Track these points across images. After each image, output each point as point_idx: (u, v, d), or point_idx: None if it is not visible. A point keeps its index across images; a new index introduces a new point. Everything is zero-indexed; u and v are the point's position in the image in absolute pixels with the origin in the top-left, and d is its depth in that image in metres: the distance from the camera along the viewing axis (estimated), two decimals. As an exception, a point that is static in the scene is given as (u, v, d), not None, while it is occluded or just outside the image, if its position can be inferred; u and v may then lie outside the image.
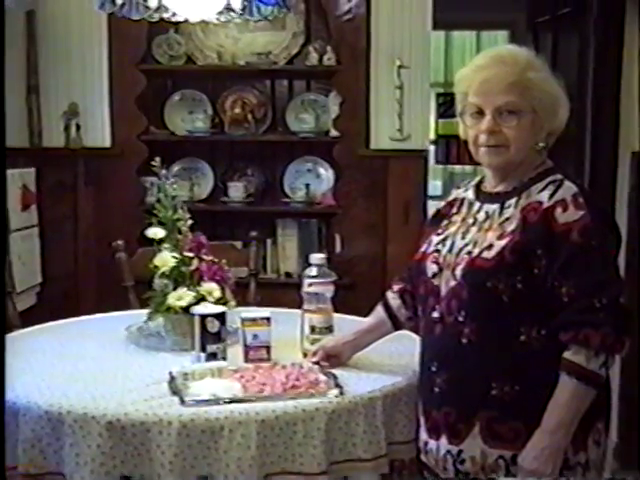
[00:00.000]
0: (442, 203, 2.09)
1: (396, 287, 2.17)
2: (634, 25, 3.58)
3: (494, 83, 1.82)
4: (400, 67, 3.75)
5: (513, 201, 1.85)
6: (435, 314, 1.88)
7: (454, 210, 2.00)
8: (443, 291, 1.88)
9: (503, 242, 1.79)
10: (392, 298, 2.17)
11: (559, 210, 1.77)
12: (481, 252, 1.82)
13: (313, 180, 4.19)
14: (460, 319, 1.83)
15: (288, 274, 4.11)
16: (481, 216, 1.90)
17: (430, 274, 1.92)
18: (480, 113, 1.85)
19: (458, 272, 1.84)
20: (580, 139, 3.91)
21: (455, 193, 2.06)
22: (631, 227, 3.48)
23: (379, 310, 2.19)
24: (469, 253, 1.84)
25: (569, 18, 4.15)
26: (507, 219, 1.83)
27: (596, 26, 3.84)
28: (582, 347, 1.72)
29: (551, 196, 1.79)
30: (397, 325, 2.17)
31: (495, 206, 1.88)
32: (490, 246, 1.81)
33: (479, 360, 1.81)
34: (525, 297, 1.77)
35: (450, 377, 1.86)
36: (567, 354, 1.74)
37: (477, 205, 1.94)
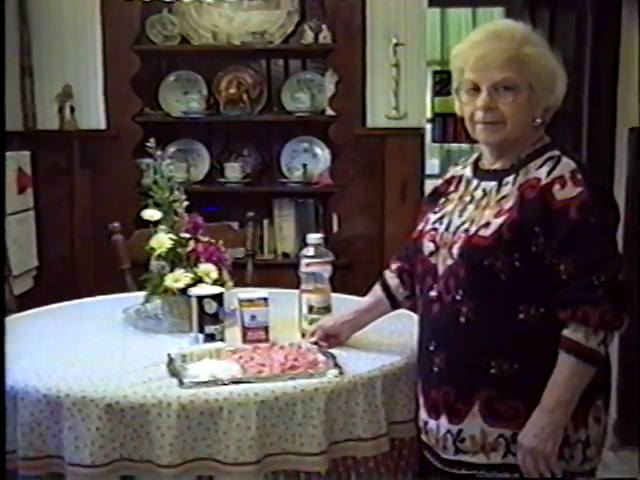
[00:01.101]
0: (439, 181, 2.07)
1: (394, 266, 2.16)
2: (632, 1, 3.55)
3: (490, 59, 1.80)
4: (396, 45, 3.72)
5: (511, 178, 1.83)
6: (433, 293, 1.87)
7: (452, 188, 1.98)
8: (440, 270, 1.87)
9: (500, 220, 1.78)
10: (390, 277, 2.16)
11: (557, 187, 1.75)
12: (478, 230, 1.80)
13: (310, 160, 4.17)
14: (458, 298, 1.82)
15: (285, 254, 4.10)
16: (478, 193, 1.89)
17: (427, 252, 1.91)
18: (476, 89, 1.83)
19: (455, 250, 1.83)
20: (577, 115, 3.89)
21: (452, 171, 2.04)
22: (629, 203, 3.48)
23: (377, 289, 2.18)
24: (466, 231, 1.83)
25: (566, -7, 4.13)
26: (504, 197, 1.82)
27: (593, 2, 3.82)
28: (581, 324, 1.71)
29: (549, 173, 1.78)
30: (395, 304, 2.16)
31: (493, 183, 1.87)
32: (487, 224, 1.79)
33: (477, 339, 1.80)
34: (523, 275, 1.76)
35: (448, 356, 1.85)
36: (566, 332, 1.73)
37: (475, 182, 1.92)
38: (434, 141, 7.30)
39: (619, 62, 3.67)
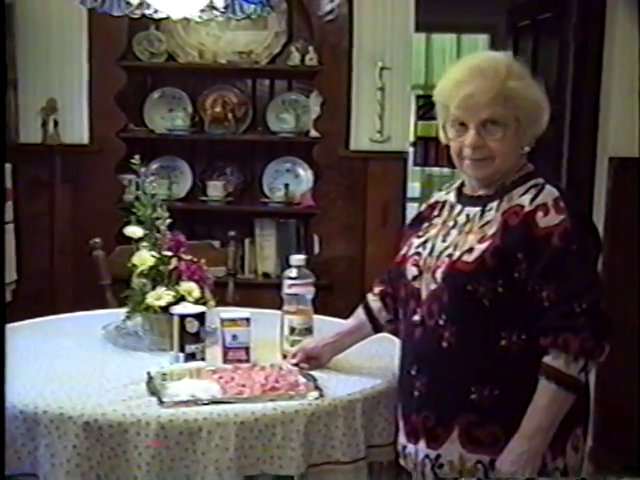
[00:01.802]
0: (423, 206, 2.08)
1: (377, 289, 2.16)
2: (613, 30, 3.61)
3: (476, 99, 1.80)
4: (382, 69, 3.74)
5: (495, 204, 1.85)
6: (416, 317, 1.88)
7: (435, 213, 1.99)
8: (424, 294, 1.88)
9: (484, 245, 1.79)
10: (373, 300, 2.16)
11: (540, 214, 1.77)
12: (461, 255, 1.81)
13: (292, 180, 4.17)
14: (441, 322, 1.82)
15: (266, 274, 4.09)
16: (462, 219, 1.90)
17: (410, 277, 1.92)
18: (463, 125, 1.84)
19: (438, 275, 1.84)
20: (558, 143, 3.93)
21: (437, 196, 2.05)
22: (608, 232, 3.51)
23: (360, 312, 2.18)
24: (449, 256, 1.84)
25: (549, 23, 4.18)
26: (488, 222, 1.83)
27: (576, 31, 3.87)
28: (561, 352, 1.72)
29: (532, 200, 1.79)
30: (377, 328, 2.17)
31: (476, 209, 1.88)
32: (470, 249, 1.81)
33: (459, 364, 1.81)
34: (506, 301, 1.77)
35: (430, 381, 1.85)
36: (546, 359, 1.74)
37: (458, 208, 1.93)
38: (416, 165, 7.37)
39: (600, 91, 3.72)
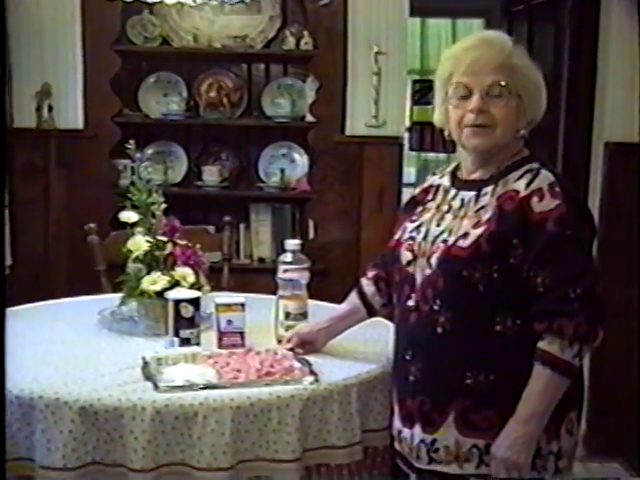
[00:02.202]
0: (417, 190, 2.08)
1: (370, 274, 2.16)
2: (608, 14, 3.60)
3: (483, 63, 1.82)
4: (378, 53, 3.73)
5: (489, 189, 1.84)
6: (410, 302, 1.88)
7: (429, 197, 1.99)
8: (418, 279, 1.88)
9: (479, 231, 1.79)
10: (366, 285, 2.16)
11: (535, 199, 1.77)
12: (457, 240, 1.81)
13: (288, 165, 4.17)
14: (435, 308, 1.83)
15: (261, 259, 4.09)
16: (456, 203, 1.90)
17: (404, 262, 1.91)
18: (466, 95, 1.84)
19: (434, 260, 1.84)
20: (554, 128, 3.93)
21: (430, 180, 2.05)
22: (603, 217, 3.51)
23: (353, 297, 2.19)
24: (444, 241, 1.84)
25: (544, 7, 4.16)
26: (483, 207, 1.83)
27: (571, 16, 3.86)
28: (556, 337, 1.72)
29: (528, 185, 1.79)
30: (371, 312, 2.17)
31: (471, 193, 1.88)
32: (466, 234, 1.80)
33: (454, 349, 1.81)
34: (501, 286, 1.77)
35: (425, 366, 1.86)
36: (541, 344, 1.74)
37: (452, 192, 1.93)
38: (411, 150, 7.35)
39: (596, 76, 3.71)
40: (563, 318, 1.72)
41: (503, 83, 1.81)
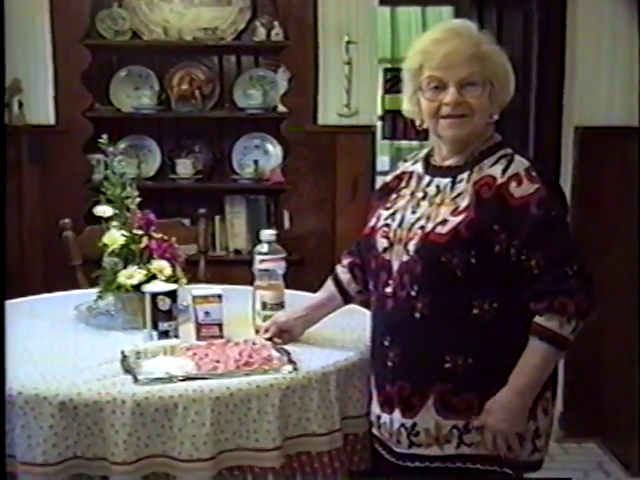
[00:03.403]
0: (389, 177, 2.09)
1: (345, 261, 2.18)
2: (575, 1, 3.63)
3: (456, 56, 1.84)
4: (348, 42, 3.74)
5: (465, 175, 1.87)
6: (388, 289, 1.90)
7: (403, 184, 2.00)
8: (395, 266, 1.89)
9: (458, 218, 1.81)
10: (342, 272, 2.18)
11: (513, 184, 1.80)
12: (435, 227, 1.83)
13: (261, 156, 4.17)
14: (413, 294, 1.85)
15: (237, 251, 4.10)
16: (432, 190, 1.91)
17: (381, 249, 1.93)
18: (440, 86, 1.85)
19: (411, 247, 1.86)
20: (525, 114, 3.96)
21: (402, 166, 2.06)
22: (575, 200, 3.55)
23: (329, 284, 2.20)
24: (422, 228, 1.85)
25: (513, -6, 4.19)
26: (459, 194, 1.85)
27: (539, 2, 3.88)
28: (557, 314, 1.76)
29: (504, 171, 1.82)
30: (347, 299, 2.19)
31: (446, 180, 1.89)
32: (444, 221, 1.82)
33: (432, 334, 1.84)
34: (478, 271, 1.80)
35: (403, 351, 1.88)
36: (539, 320, 1.78)
37: (427, 179, 1.95)
38: (384, 138, 7.37)
39: (565, 62, 3.74)
40: (564, 296, 1.77)
41: (476, 73, 1.83)
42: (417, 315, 1.84)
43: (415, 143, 6.92)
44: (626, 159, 3.53)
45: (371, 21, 3.81)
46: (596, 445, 3.67)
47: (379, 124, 6.16)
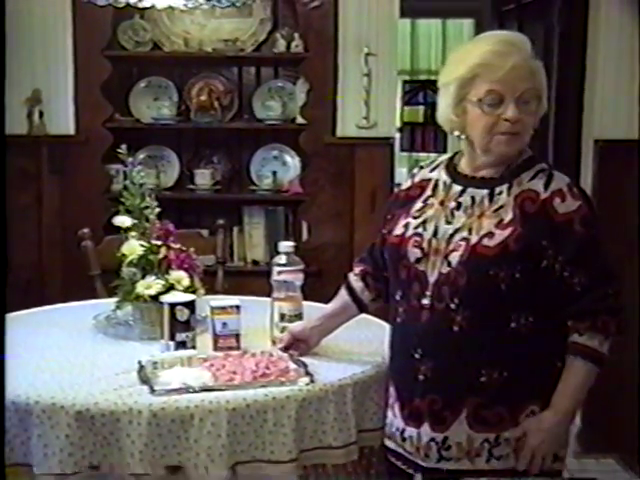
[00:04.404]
0: (407, 184, 2.04)
1: (357, 269, 2.16)
2: (597, 13, 3.62)
3: (519, 70, 1.80)
4: (368, 54, 3.74)
5: (504, 188, 1.85)
6: (425, 301, 1.86)
7: (428, 192, 1.96)
8: (431, 277, 1.86)
9: (506, 232, 1.79)
10: (355, 281, 2.16)
11: (557, 200, 1.80)
12: (481, 239, 1.81)
13: (280, 168, 4.18)
14: (452, 306, 1.82)
15: (255, 262, 4.10)
16: (466, 200, 1.88)
17: (413, 259, 1.89)
18: (498, 102, 1.81)
19: (454, 259, 1.82)
20: (544, 126, 3.95)
21: (420, 174, 2.02)
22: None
23: (343, 293, 2.18)
24: (465, 239, 1.82)
25: (534, 6, 4.18)
26: (501, 207, 1.83)
27: (560, 14, 3.88)
28: (598, 333, 1.79)
29: (546, 186, 1.82)
30: (362, 307, 2.17)
31: (484, 192, 1.87)
32: (490, 234, 1.81)
33: (470, 347, 1.82)
34: (521, 285, 1.80)
35: (437, 365, 1.85)
36: (581, 339, 1.80)
37: (457, 188, 1.91)
38: (402, 150, 7.38)
39: (585, 75, 3.73)
40: (606, 315, 1.80)
41: (531, 89, 1.81)
42: (456, 328, 1.82)
43: (433, 155, 6.93)
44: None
45: (391, 33, 3.82)
46: (614, 461, 3.63)
47: (397, 136, 6.16)
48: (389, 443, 1.98)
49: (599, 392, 3.50)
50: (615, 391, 3.59)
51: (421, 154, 7.48)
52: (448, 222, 1.88)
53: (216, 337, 2.22)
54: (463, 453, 1.84)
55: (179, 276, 2.36)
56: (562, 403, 1.81)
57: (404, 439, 1.92)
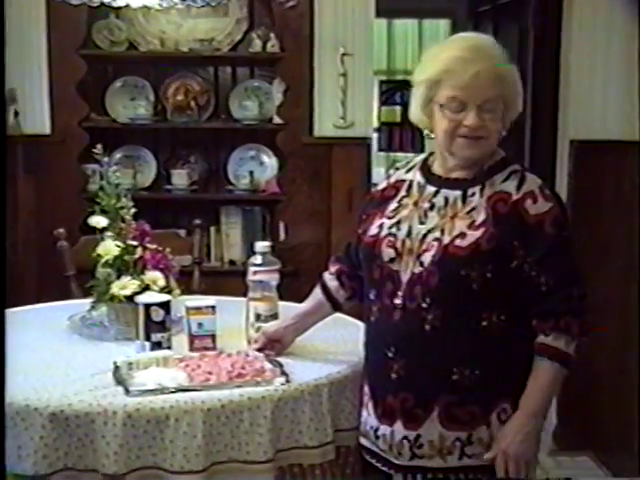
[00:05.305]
0: (382, 185, 2.05)
1: (333, 268, 2.16)
2: (571, 14, 3.64)
3: (482, 78, 1.80)
4: (344, 55, 3.75)
5: (477, 189, 1.86)
6: (397, 300, 1.87)
7: (402, 192, 1.97)
8: (404, 277, 1.87)
9: (478, 233, 1.81)
10: (330, 279, 2.16)
11: (529, 202, 1.81)
12: (453, 240, 1.82)
13: (257, 168, 4.18)
14: (424, 305, 1.83)
15: (232, 262, 4.10)
16: (439, 201, 1.89)
17: (387, 259, 1.90)
18: (461, 108, 1.82)
19: (427, 259, 1.83)
20: (520, 127, 3.97)
21: (395, 175, 2.03)
22: (570, 214, 3.55)
23: (317, 292, 2.19)
24: (438, 240, 1.84)
25: (509, 7, 4.21)
26: (474, 208, 1.84)
27: (535, 15, 3.90)
28: (562, 334, 1.80)
29: (518, 187, 1.83)
30: (336, 306, 2.18)
31: (456, 193, 1.88)
32: (463, 235, 1.82)
33: (442, 346, 1.83)
34: (492, 285, 1.81)
35: (409, 363, 1.86)
36: (546, 340, 1.81)
37: (431, 189, 1.92)
38: (380, 150, 7.39)
39: (559, 76, 3.76)
40: (569, 317, 1.80)
41: (496, 96, 1.82)
42: (427, 327, 1.83)
43: (411, 155, 6.94)
44: (621, 173, 3.54)
45: (367, 33, 3.83)
46: (589, 458, 3.66)
47: (375, 136, 6.17)
48: (364, 441, 1.99)
49: (573, 389, 3.56)
50: (590, 389, 3.63)
51: (399, 154, 7.49)
52: (421, 222, 1.89)
53: (192, 337, 2.21)
54: (435, 451, 1.85)
55: (155, 276, 2.35)
56: (530, 404, 1.81)
57: (377, 437, 1.93)
